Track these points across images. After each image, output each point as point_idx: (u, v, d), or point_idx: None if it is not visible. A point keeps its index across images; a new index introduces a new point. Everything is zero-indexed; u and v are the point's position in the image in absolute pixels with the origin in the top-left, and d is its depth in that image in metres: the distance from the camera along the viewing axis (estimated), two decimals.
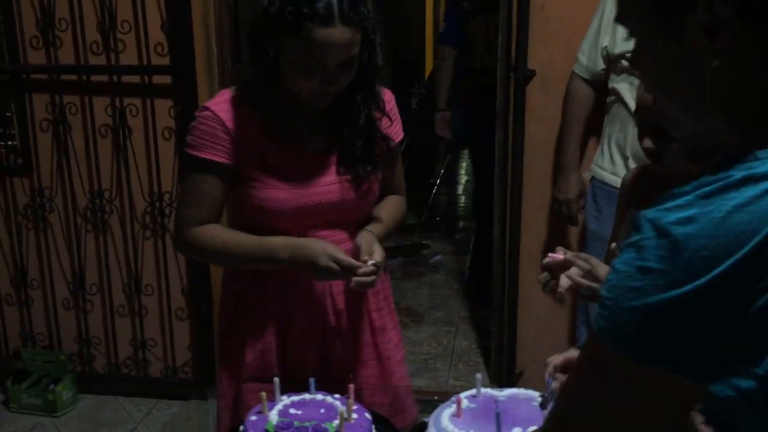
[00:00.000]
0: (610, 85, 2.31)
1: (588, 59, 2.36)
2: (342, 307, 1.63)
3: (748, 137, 0.68)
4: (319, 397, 1.47)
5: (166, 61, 2.76)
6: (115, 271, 2.99)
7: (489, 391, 1.46)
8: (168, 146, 2.85)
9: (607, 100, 2.34)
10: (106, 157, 2.88)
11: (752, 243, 0.61)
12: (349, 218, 1.62)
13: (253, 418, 1.40)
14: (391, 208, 1.71)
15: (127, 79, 2.79)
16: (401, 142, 1.69)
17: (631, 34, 0.76)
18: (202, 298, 2.96)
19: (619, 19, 0.77)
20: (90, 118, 2.83)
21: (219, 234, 1.57)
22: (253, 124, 1.54)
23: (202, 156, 1.53)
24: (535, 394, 1.44)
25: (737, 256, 0.61)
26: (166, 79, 2.79)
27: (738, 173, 0.64)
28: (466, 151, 6.25)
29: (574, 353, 1.41)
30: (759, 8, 0.66)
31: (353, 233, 1.59)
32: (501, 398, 1.43)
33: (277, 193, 1.54)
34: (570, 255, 1.53)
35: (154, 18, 2.72)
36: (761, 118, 0.69)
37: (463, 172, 6.93)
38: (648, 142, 1.48)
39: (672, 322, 0.65)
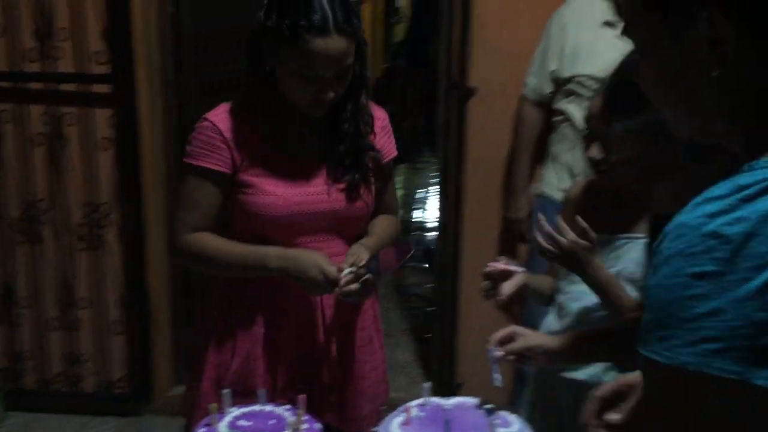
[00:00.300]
0: (558, 106, 2.39)
1: (537, 83, 2.44)
2: (330, 321, 1.65)
3: (753, 141, 0.72)
4: (269, 408, 1.47)
5: (105, 69, 2.71)
6: (48, 283, 2.91)
7: (436, 399, 1.48)
8: (106, 156, 2.80)
9: (555, 120, 2.42)
10: (41, 167, 2.81)
11: None
12: (344, 229, 1.65)
13: (202, 430, 1.39)
14: (384, 224, 1.74)
15: (64, 87, 2.73)
16: (394, 160, 1.74)
17: (636, 45, 0.80)
18: (141, 310, 2.91)
19: (626, 31, 0.81)
20: (24, 126, 2.76)
21: (211, 241, 1.59)
22: (250, 133, 1.58)
23: (199, 165, 1.57)
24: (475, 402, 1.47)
25: None
26: (106, 88, 2.74)
27: None
28: (403, 165, 6.31)
29: (514, 328, 1.46)
30: (755, 23, 0.71)
31: (349, 244, 1.63)
32: (448, 407, 1.46)
33: (272, 199, 1.57)
34: (512, 264, 1.59)
35: (93, 25, 2.68)
36: (764, 123, 0.73)
37: (400, 185, 7.00)
38: (593, 152, 1.54)
39: (743, 319, 0.64)
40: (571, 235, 1.46)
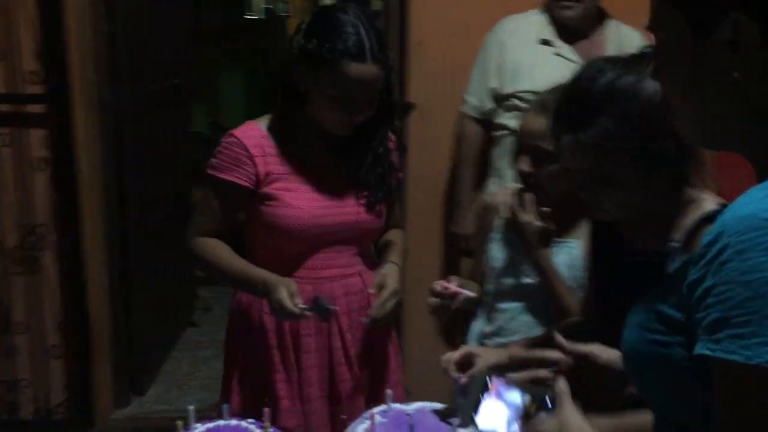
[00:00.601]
0: (500, 121, 2.47)
1: (477, 100, 2.50)
2: (348, 341, 1.74)
3: None
4: (234, 422, 1.49)
5: (40, 89, 2.67)
6: None
7: (398, 405, 1.53)
8: (42, 177, 2.75)
9: (496, 134, 2.50)
10: None
11: None
12: (359, 241, 1.76)
13: None
14: (399, 238, 1.87)
15: None
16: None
17: (660, 43, 0.82)
18: (80, 333, 2.85)
19: (651, 27, 0.83)
20: None
21: (216, 249, 1.70)
22: (276, 149, 1.68)
23: (222, 177, 1.66)
24: (439, 406, 1.53)
25: None
26: (40, 108, 2.69)
27: None
28: None
29: (468, 349, 1.52)
30: None
31: (360, 255, 1.76)
32: (410, 411, 1.52)
33: (294, 211, 1.65)
34: (465, 288, 1.66)
35: (27, 45, 2.63)
36: None
37: None
38: (523, 165, 1.64)
39: None
40: (528, 216, 1.63)
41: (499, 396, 1.35)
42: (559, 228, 1.68)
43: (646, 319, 0.91)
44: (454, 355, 1.50)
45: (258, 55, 6.45)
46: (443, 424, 1.46)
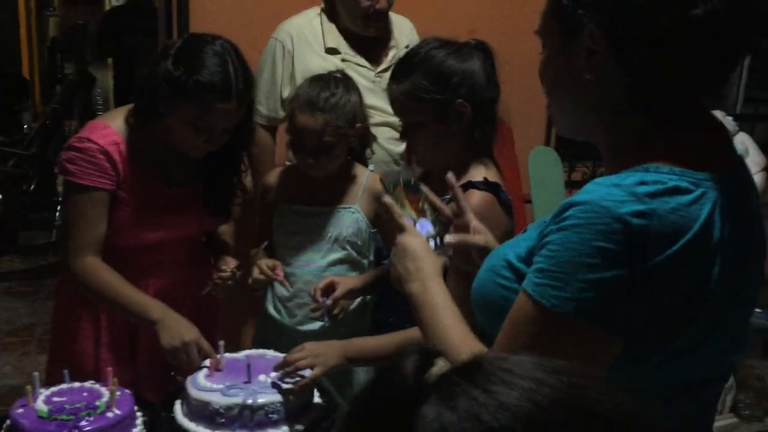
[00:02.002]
0: None
1: (267, 109, 2.46)
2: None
3: (641, 144, 0.91)
4: (77, 385, 1.58)
5: None
6: None
7: (228, 354, 1.73)
8: None
9: None
10: None
11: (685, 237, 0.83)
12: (192, 241, 1.93)
13: (20, 410, 1.46)
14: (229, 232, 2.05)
15: None
16: None
17: (543, 45, 1.00)
18: None
19: (539, 33, 1.00)
20: None
21: (104, 275, 1.72)
22: (131, 157, 1.72)
23: (88, 183, 1.68)
24: (267, 352, 1.76)
25: (677, 245, 0.82)
26: None
27: (670, 182, 0.84)
28: None
29: (332, 278, 1.85)
30: (621, 41, 0.89)
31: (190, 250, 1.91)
32: (242, 357, 1.72)
33: (143, 214, 1.76)
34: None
35: None
36: (644, 127, 0.92)
37: None
38: (309, 161, 1.92)
39: (623, 293, 0.82)
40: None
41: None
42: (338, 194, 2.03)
43: (497, 265, 1.03)
44: (319, 284, 1.83)
45: None
46: (275, 362, 1.68)
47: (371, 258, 2.04)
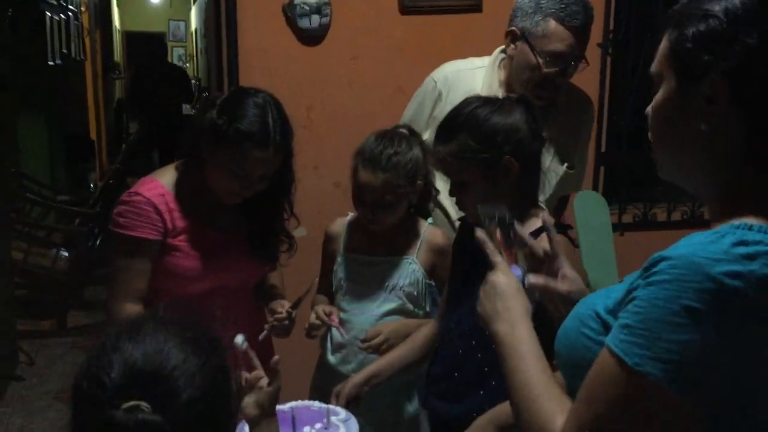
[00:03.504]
0: None
1: None
2: None
3: (746, 196, 0.86)
4: None
5: None
6: None
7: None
8: None
9: None
10: None
11: None
12: (247, 287, 1.97)
13: None
14: (280, 280, 2.08)
15: None
16: None
17: (656, 88, 0.95)
18: None
19: (653, 73, 0.96)
20: None
21: None
22: (178, 206, 1.79)
23: (135, 235, 1.74)
24: (314, 403, 1.75)
25: None
26: None
27: None
28: None
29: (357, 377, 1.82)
30: (747, 92, 0.85)
31: (245, 299, 1.95)
32: (286, 409, 1.72)
33: (194, 262, 1.80)
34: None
35: None
36: (745, 184, 0.87)
37: None
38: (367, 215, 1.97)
39: (709, 358, 0.77)
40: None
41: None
42: (402, 244, 2.05)
43: (585, 314, 0.99)
44: (347, 388, 1.81)
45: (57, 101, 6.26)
46: (318, 413, 1.67)
47: (427, 309, 2.05)
